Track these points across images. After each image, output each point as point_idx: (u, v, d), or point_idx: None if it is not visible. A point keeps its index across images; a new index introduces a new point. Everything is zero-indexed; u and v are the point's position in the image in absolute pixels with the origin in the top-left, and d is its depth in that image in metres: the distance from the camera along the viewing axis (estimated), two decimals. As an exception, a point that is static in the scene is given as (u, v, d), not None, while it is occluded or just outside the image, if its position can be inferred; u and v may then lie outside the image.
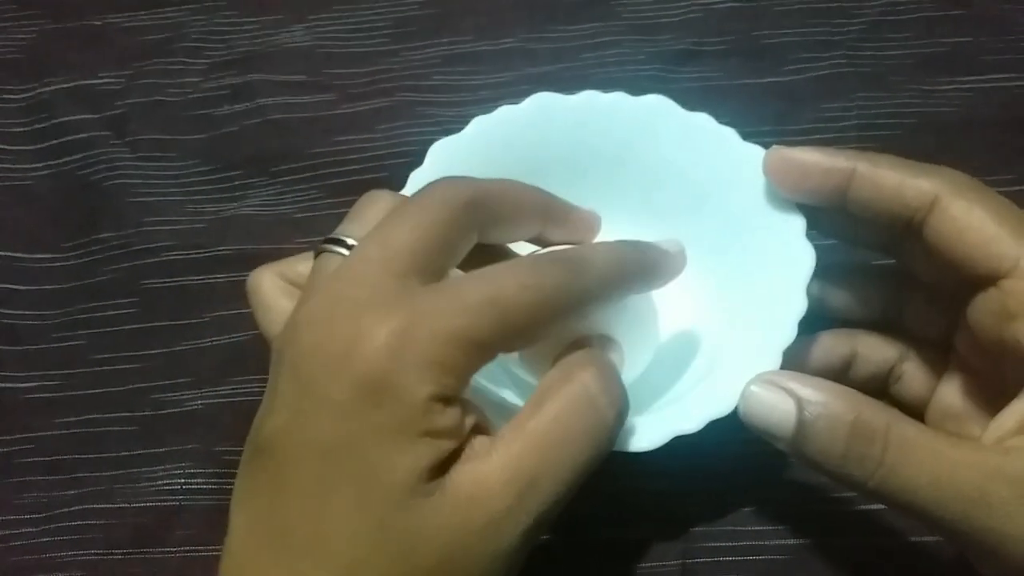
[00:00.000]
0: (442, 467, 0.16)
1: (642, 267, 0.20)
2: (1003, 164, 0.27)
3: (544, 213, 0.21)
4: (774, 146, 0.21)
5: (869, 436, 0.17)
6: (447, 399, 0.16)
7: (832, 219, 0.21)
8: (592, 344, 0.19)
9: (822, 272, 0.21)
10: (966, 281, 0.19)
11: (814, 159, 0.20)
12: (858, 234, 0.22)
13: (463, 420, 0.17)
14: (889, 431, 0.17)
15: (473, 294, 0.17)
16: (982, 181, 0.20)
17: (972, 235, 0.19)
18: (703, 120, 0.24)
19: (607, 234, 0.25)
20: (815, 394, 0.18)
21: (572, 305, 0.18)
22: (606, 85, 0.24)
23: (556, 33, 0.31)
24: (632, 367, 0.22)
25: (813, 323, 0.21)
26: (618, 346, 0.20)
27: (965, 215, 0.19)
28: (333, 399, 0.16)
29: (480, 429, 0.17)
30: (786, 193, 0.21)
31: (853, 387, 0.18)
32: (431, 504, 0.16)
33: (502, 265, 0.18)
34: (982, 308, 0.19)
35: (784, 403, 0.18)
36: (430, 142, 0.24)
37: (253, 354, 0.27)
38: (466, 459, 0.16)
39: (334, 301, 0.17)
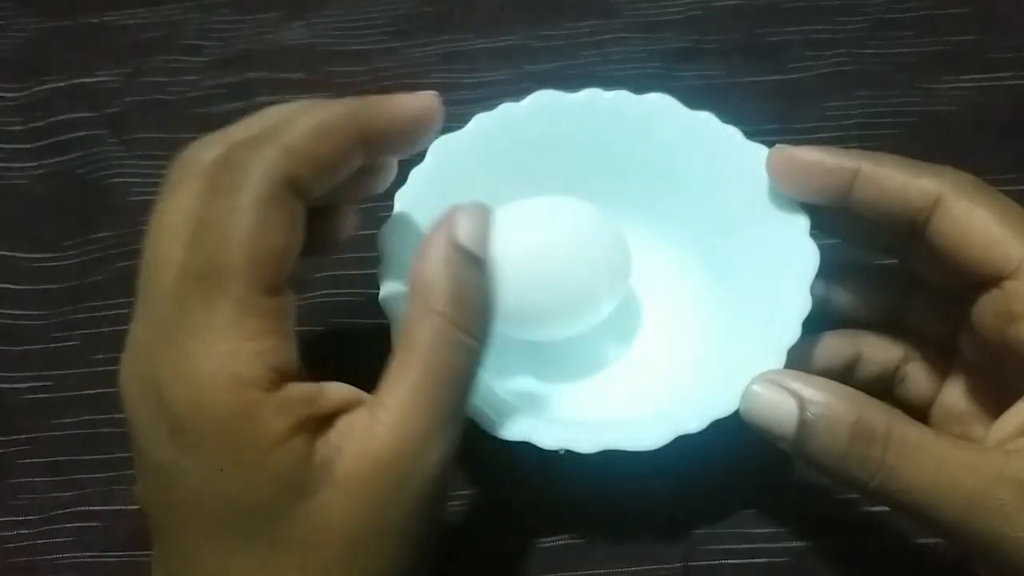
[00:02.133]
0: (314, 452, 0.16)
1: (364, 110, 0.18)
2: (1006, 164, 0.27)
3: (358, 135, 0.18)
4: (777, 145, 0.21)
5: (870, 437, 0.17)
6: (278, 374, 0.16)
7: (835, 218, 0.21)
8: (437, 254, 0.18)
9: (826, 272, 0.21)
10: (970, 282, 0.19)
11: (817, 159, 0.20)
12: (861, 234, 0.22)
13: (311, 404, 0.16)
14: (890, 432, 0.17)
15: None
16: (985, 181, 0.20)
17: (975, 236, 0.19)
18: (706, 119, 0.23)
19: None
20: (817, 394, 0.18)
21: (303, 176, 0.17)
22: (608, 83, 0.24)
23: (557, 31, 0.31)
24: (601, 303, 0.22)
25: (817, 323, 0.21)
26: (471, 212, 0.18)
27: (968, 216, 0.19)
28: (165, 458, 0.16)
29: (350, 404, 0.17)
30: (789, 192, 0.21)
31: (857, 388, 0.18)
32: (324, 500, 0.16)
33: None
34: (986, 309, 0.19)
35: (786, 403, 0.18)
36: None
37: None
38: (351, 442, 0.16)
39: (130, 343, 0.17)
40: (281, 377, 0.16)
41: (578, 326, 0.23)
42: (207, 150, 0.17)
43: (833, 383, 0.18)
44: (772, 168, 0.21)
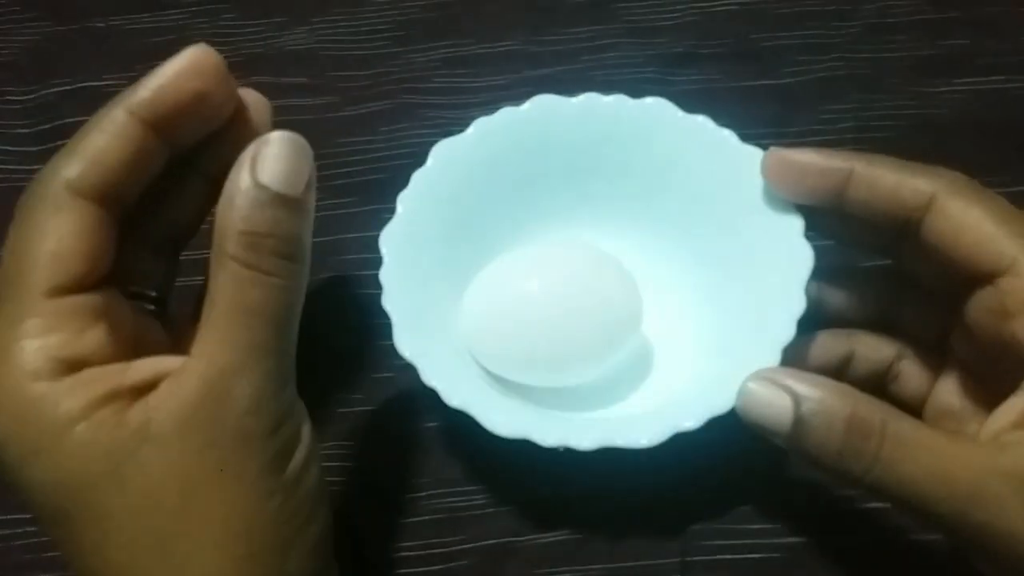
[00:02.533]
0: (127, 419, 0.16)
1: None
2: (998, 165, 0.27)
3: (137, 119, 0.18)
4: (772, 148, 0.22)
5: (865, 432, 0.17)
6: (65, 364, 0.17)
7: (830, 220, 0.22)
8: (233, 197, 0.17)
9: (820, 273, 0.22)
10: (963, 280, 0.19)
11: (811, 160, 0.21)
12: (855, 235, 0.22)
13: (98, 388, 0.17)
14: (885, 427, 0.17)
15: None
16: (978, 182, 0.20)
17: (969, 234, 0.19)
18: (702, 122, 0.24)
19: (605, 234, 0.25)
20: (811, 390, 0.18)
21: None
22: (606, 87, 0.25)
23: (556, 36, 0.31)
24: (612, 350, 0.23)
25: (811, 323, 0.22)
26: (273, 144, 0.17)
27: (962, 214, 0.19)
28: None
29: (170, 370, 0.17)
30: (784, 194, 0.22)
31: (851, 385, 0.18)
32: (143, 458, 0.16)
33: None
34: (979, 307, 0.19)
35: (781, 399, 0.18)
36: (431, 143, 0.24)
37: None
38: (165, 399, 0.17)
39: None
40: (71, 366, 0.17)
41: (589, 375, 0.24)
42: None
43: (827, 379, 0.18)
44: (767, 170, 0.22)
